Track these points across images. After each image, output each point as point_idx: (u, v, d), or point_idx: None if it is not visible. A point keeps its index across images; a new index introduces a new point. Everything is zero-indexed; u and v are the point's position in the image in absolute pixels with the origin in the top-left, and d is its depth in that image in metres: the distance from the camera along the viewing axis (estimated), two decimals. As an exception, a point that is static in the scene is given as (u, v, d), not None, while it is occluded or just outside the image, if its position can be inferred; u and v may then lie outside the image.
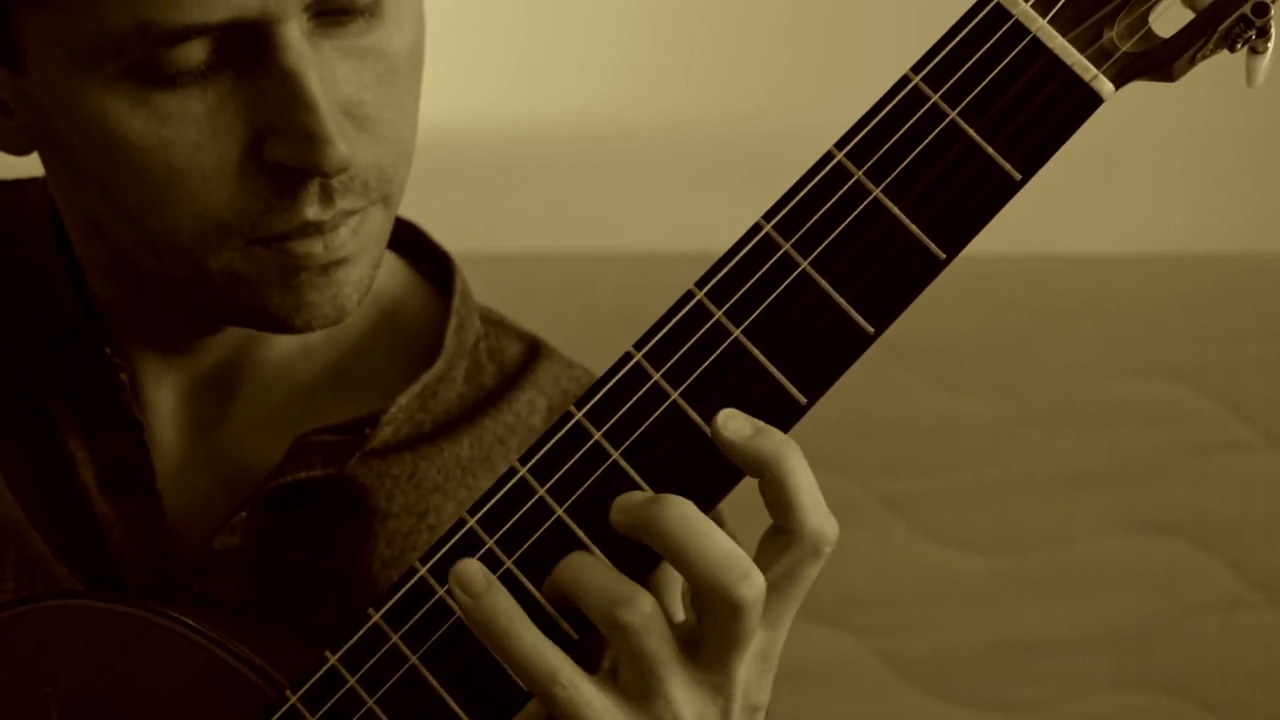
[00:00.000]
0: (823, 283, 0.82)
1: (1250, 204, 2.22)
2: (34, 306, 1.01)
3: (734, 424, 0.81)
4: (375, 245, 0.92)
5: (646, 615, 0.80)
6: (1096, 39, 0.81)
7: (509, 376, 1.05)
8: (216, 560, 0.97)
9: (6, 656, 0.90)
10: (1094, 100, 0.80)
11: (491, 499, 0.83)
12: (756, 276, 0.82)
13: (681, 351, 0.82)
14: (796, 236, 0.82)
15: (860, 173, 0.82)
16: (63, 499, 0.98)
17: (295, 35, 0.85)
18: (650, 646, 0.80)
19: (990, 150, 0.81)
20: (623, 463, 0.82)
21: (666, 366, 0.82)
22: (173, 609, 0.90)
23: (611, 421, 0.82)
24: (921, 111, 0.81)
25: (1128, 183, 2.19)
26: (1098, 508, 1.99)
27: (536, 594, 0.82)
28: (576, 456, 0.83)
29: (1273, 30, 0.81)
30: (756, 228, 0.82)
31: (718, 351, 0.82)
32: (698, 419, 0.82)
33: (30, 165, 0.96)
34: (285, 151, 0.86)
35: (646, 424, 0.82)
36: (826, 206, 0.82)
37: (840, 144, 0.82)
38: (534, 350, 1.06)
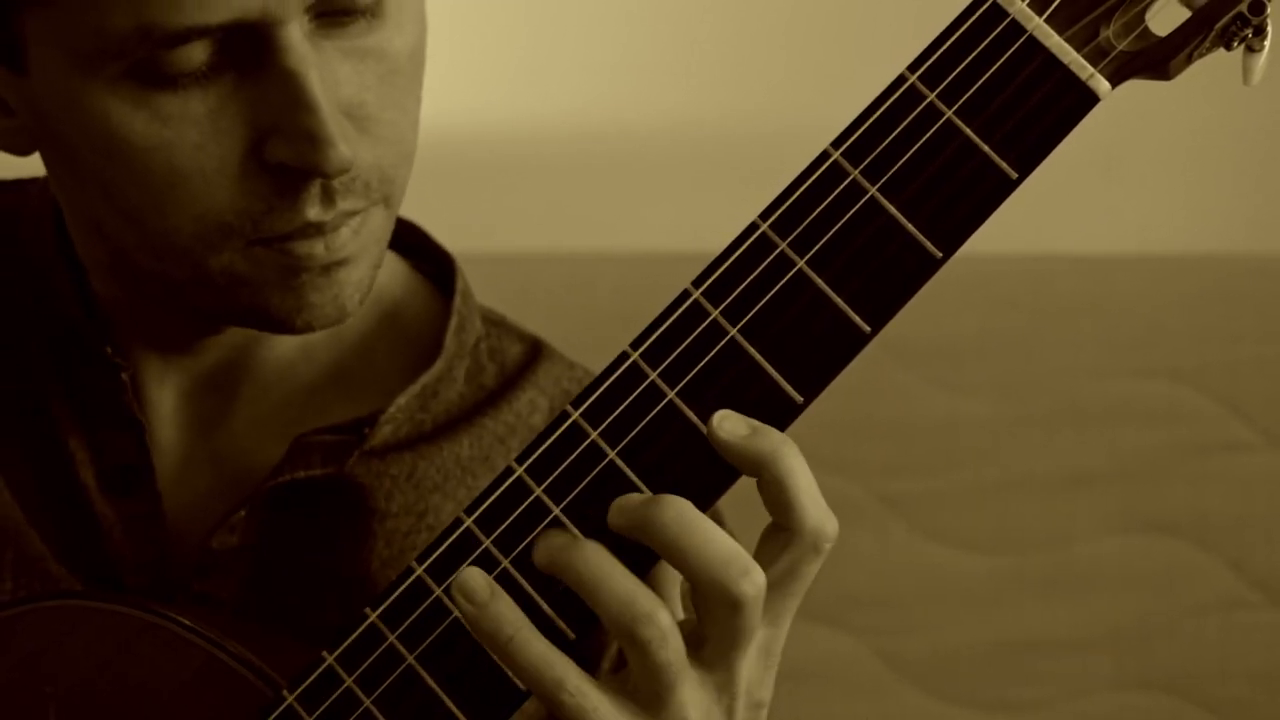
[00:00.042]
0: (819, 281, 0.82)
1: (1250, 204, 2.22)
2: (35, 306, 1.01)
3: (730, 424, 0.81)
4: (376, 246, 0.92)
5: (665, 630, 0.80)
6: (1093, 37, 0.81)
7: (510, 377, 1.05)
8: (216, 560, 0.97)
9: (5, 656, 0.90)
10: (1090, 99, 0.81)
11: (488, 498, 0.83)
12: (753, 275, 0.82)
13: (678, 350, 0.82)
14: (793, 235, 0.82)
15: (857, 171, 0.82)
16: (62, 499, 0.98)
17: (297, 36, 0.85)
18: (666, 658, 0.80)
19: (987, 149, 0.81)
20: (619, 462, 0.82)
21: (663, 366, 0.82)
22: (172, 609, 0.90)
23: (608, 421, 0.82)
24: (918, 110, 0.81)
25: (1128, 183, 2.19)
26: (1098, 508, 1.99)
27: (534, 594, 0.82)
28: (573, 456, 0.83)
29: (1269, 28, 0.81)
30: (753, 226, 0.82)
31: (714, 350, 0.82)
32: (694, 418, 0.82)
33: (32, 165, 0.96)
34: (287, 152, 0.86)
35: (643, 423, 0.82)
36: (823, 205, 0.82)
37: (836, 143, 0.82)
38: (535, 351, 1.06)
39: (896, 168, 0.81)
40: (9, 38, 0.88)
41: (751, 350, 0.82)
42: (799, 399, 0.82)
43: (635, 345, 0.83)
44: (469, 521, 0.84)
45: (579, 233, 2.13)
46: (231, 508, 0.98)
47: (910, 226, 0.81)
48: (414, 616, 0.84)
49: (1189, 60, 0.82)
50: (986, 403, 2.01)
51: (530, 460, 0.83)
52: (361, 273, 0.91)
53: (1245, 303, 2.05)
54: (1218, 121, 2.11)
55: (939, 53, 0.81)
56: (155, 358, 0.99)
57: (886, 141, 0.81)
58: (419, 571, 0.84)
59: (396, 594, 0.84)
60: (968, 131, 0.81)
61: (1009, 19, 0.81)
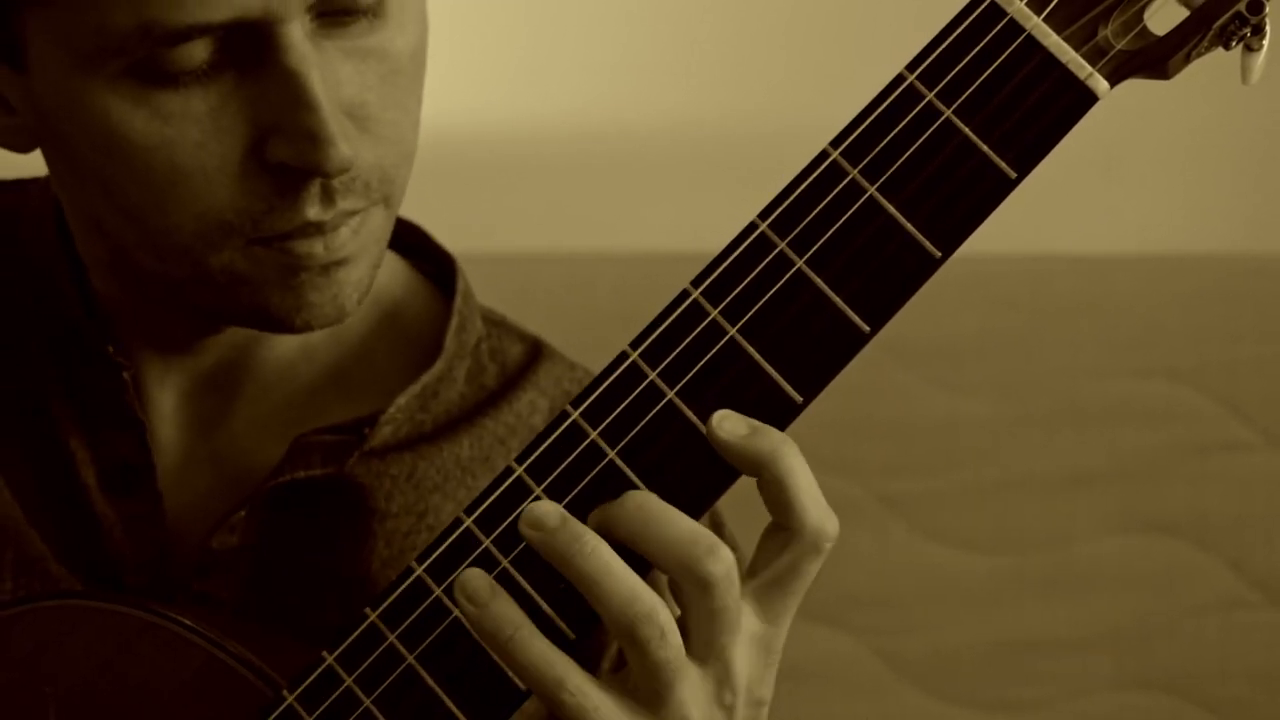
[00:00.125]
0: (819, 281, 0.82)
1: (1250, 204, 2.22)
2: (35, 306, 1.01)
3: (729, 424, 0.81)
4: (376, 246, 0.92)
5: (664, 628, 0.80)
6: (1091, 36, 0.81)
7: (510, 377, 1.05)
8: (216, 560, 0.97)
9: (5, 656, 0.90)
10: (1089, 98, 0.81)
11: (488, 498, 0.83)
12: (752, 275, 0.82)
13: (677, 350, 0.82)
14: (792, 235, 0.82)
15: (855, 171, 0.82)
16: (63, 499, 0.98)
17: (298, 35, 0.85)
18: (665, 656, 0.80)
19: (985, 148, 0.81)
20: (619, 462, 0.82)
21: (663, 365, 0.82)
22: (172, 609, 0.90)
23: (608, 420, 0.83)
24: (917, 109, 0.81)
25: (1127, 183, 2.19)
26: (1098, 508, 1.99)
27: (533, 593, 0.83)
28: (573, 455, 0.83)
29: (1268, 28, 0.81)
30: (752, 226, 0.83)
31: (714, 350, 0.82)
32: (694, 418, 0.82)
33: (33, 164, 0.96)
34: (287, 151, 0.86)
35: (643, 423, 0.82)
36: (822, 205, 0.82)
37: (835, 142, 0.82)
38: (536, 351, 1.07)
39: (895, 167, 0.81)
40: (10, 36, 0.88)
41: (751, 350, 0.82)
42: (798, 399, 0.82)
43: (635, 345, 0.83)
44: (469, 521, 0.84)
45: (579, 233, 2.13)
46: (232, 508, 0.98)
47: (909, 226, 0.81)
48: (414, 616, 0.84)
49: (1187, 59, 0.82)
50: (986, 403, 2.01)
51: (530, 460, 0.83)
52: (361, 272, 0.91)
53: (1245, 303, 2.05)
54: (1217, 121, 2.11)
55: (937, 52, 0.82)
56: (156, 357, 0.99)
57: (885, 141, 0.81)
58: (419, 571, 0.84)
59: (396, 594, 0.84)
60: (966, 131, 0.81)
61: (1007, 18, 0.81)
